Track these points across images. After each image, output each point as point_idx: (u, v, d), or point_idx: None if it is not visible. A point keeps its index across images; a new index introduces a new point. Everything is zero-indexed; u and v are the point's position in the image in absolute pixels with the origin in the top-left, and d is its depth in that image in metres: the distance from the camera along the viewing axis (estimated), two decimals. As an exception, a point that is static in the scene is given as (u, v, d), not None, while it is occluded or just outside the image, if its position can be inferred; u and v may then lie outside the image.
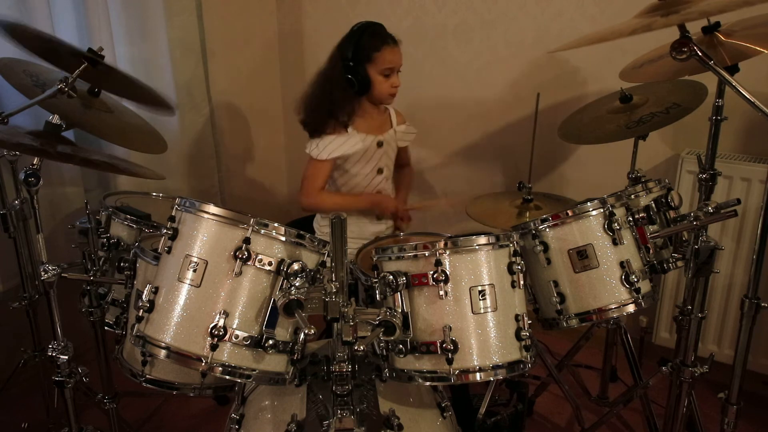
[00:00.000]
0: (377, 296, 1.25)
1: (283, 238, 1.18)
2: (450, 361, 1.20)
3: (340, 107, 1.89)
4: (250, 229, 1.15)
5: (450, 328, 1.20)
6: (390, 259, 1.26)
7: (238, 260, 1.14)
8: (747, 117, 2.05)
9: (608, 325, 1.98)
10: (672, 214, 1.39)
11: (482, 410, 1.69)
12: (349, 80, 1.86)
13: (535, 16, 2.34)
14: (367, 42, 1.84)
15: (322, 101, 1.90)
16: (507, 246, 1.27)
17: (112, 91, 1.53)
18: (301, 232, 1.20)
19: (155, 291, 1.18)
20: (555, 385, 1.98)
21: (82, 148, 1.33)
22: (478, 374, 1.21)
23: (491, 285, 1.23)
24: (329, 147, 1.89)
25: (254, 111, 3.01)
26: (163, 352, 1.15)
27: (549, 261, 1.40)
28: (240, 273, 1.15)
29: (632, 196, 1.41)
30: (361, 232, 2.00)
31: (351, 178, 1.96)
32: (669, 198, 1.39)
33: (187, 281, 1.15)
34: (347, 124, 1.90)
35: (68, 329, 1.39)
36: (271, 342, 1.17)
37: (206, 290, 1.15)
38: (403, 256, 1.25)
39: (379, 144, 1.94)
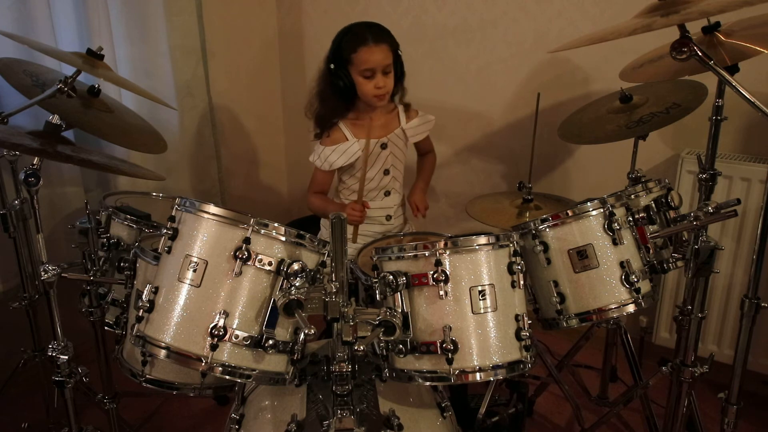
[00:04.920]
0: (377, 296, 1.25)
1: (283, 238, 1.18)
2: (450, 361, 1.20)
3: (335, 113, 1.91)
4: (250, 229, 1.15)
5: (450, 328, 1.20)
6: (390, 259, 1.26)
7: (238, 260, 1.14)
8: (747, 117, 2.05)
9: (608, 325, 1.98)
10: (672, 214, 1.39)
11: (482, 410, 1.69)
12: (334, 85, 1.86)
13: (535, 16, 2.34)
14: (345, 44, 1.83)
15: (320, 107, 1.93)
16: (507, 246, 1.27)
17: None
18: (301, 232, 1.20)
19: (155, 291, 1.19)
20: (555, 385, 1.98)
21: (82, 148, 1.33)
22: (478, 374, 1.21)
23: (491, 285, 1.23)
24: (330, 158, 1.91)
25: (254, 111, 3.01)
26: (163, 352, 1.15)
27: (549, 261, 1.40)
28: (240, 273, 1.15)
29: (632, 196, 1.41)
30: (371, 229, 2.00)
31: (357, 182, 1.96)
32: (669, 198, 1.39)
33: (187, 281, 1.15)
34: (345, 132, 1.90)
35: (68, 329, 1.39)
36: (271, 342, 1.18)
37: (206, 290, 1.15)
38: (403, 256, 1.25)
39: (383, 146, 1.93)
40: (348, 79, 1.85)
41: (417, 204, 2.00)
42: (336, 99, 1.89)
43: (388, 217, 2.02)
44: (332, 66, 1.85)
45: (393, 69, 1.87)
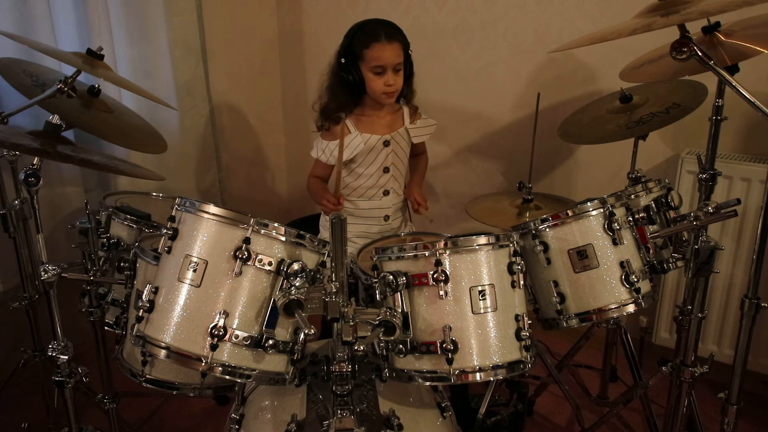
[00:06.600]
0: (377, 296, 1.25)
1: (283, 238, 1.18)
2: (450, 361, 1.20)
3: (342, 107, 1.91)
4: (250, 229, 1.15)
5: (450, 328, 1.20)
6: (390, 259, 1.26)
7: (238, 260, 1.14)
8: (747, 117, 2.05)
9: (608, 325, 1.98)
10: (672, 214, 1.39)
11: (482, 410, 1.69)
12: (343, 79, 1.87)
13: (535, 16, 2.34)
14: (357, 40, 1.83)
15: (328, 100, 1.94)
16: (507, 246, 1.27)
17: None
18: (301, 232, 1.20)
19: (155, 291, 1.19)
20: (555, 385, 1.98)
21: (82, 148, 1.33)
22: (478, 374, 1.21)
23: (491, 285, 1.23)
24: (335, 152, 1.91)
25: (254, 111, 3.01)
26: (163, 352, 1.15)
27: (549, 261, 1.40)
28: (240, 273, 1.15)
29: (632, 196, 1.41)
30: (367, 229, 2.00)
31: (357, 178, 1.96)
32: (669, 198, 1.39)
33: (187, 281, 1.15)
34: (346, 125, 1.91)
35: (68, 329, 1.39)
36: (271, 342, 1.18)
37: (206, 290, 1.15)
38: (403, 256, 1.25)
39: (386, 143, 1.94)
40: (358, 75, 1.85)
41: (417, 199, 1.99)
42: (345, 93, 1.90)
43: (386, 218, 2.01)
44: (343, 60, 1.86)
45: (403, 68, 1.87)
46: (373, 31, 1.83)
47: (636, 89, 1.79)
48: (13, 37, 1.65)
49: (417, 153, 2.13)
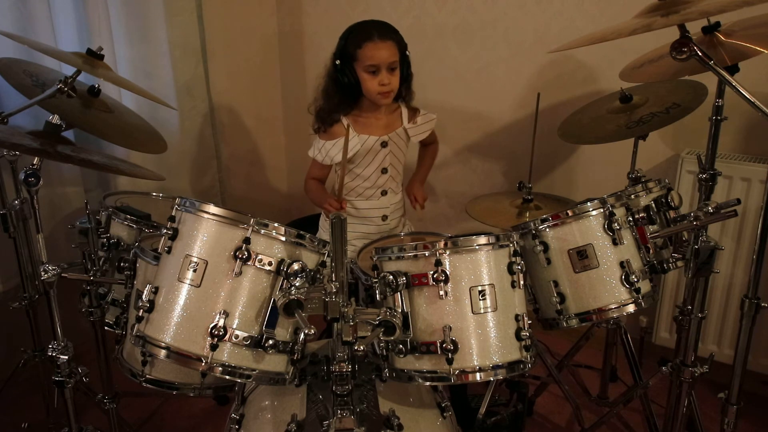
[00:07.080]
0: (377, 296, 1.25)
1: (283, 238, 1.18)
2: (450, 361, 1.20)
3: (338, 109, 1.91)
4: (250, 229, 1.16)
5: (450, 328, 1.20)
6: (390, 259, 1.26)
7: (238, 260, 1.14)
8: (747, 117, 2.05)
9: (608, 325, 1.98)
10: (672, 214, 1.39)
11: (482, 410, 1.69)
12: (339, 81, 1.86)
13: (535, 16, 2.34)
14: (351, 41, 1.83)
15: (323, 103, 1.93)
16: (507, 246, 1.27)
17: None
18: (301, 232, 1.20)
19: (155, 291, 1.19)
20: (555, 385, 1.98)
21: (82, 148, 1.33)
22: (478, 374, 1.21)
23: (491, 285, 1.23)
24: (331, 152, 1.91)
25: (254, 111, 3.01)
26: (163, 352, 1.15)
27: (549, 261, 1.40)
28: (240, 273, 1.15)
29: (632, 196, 1.41)
30: (366, 229, 2.00)
31: (355, 178, 1.96)
32: (669, 198, 1.39)
33: (187, 281, 1.15)
34: (346, 126, 1.91)
35: (68, 329, 1.39)
36: (271, 342, 1.18)
37: (206, 290, 1.15)
38: (403, 256, 1.25)
39: (383, 144, 1.93)
40: (353, 76, 1.85)
41: (416, 196, 2.00)
42: (340, 96, 1.89)
43: (384, 218, 2.01)
44: (338, 62, 1.85)
45: (399, 68, 1.86)
46: (365, 31, 1.83)
47: (636, 89, 1.79)
48: (13, 37, 1.65)
49: (427, 143, 2.13)
